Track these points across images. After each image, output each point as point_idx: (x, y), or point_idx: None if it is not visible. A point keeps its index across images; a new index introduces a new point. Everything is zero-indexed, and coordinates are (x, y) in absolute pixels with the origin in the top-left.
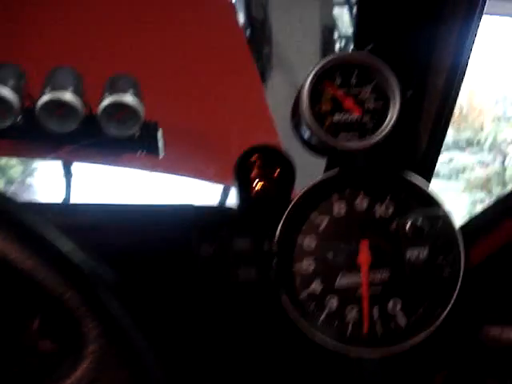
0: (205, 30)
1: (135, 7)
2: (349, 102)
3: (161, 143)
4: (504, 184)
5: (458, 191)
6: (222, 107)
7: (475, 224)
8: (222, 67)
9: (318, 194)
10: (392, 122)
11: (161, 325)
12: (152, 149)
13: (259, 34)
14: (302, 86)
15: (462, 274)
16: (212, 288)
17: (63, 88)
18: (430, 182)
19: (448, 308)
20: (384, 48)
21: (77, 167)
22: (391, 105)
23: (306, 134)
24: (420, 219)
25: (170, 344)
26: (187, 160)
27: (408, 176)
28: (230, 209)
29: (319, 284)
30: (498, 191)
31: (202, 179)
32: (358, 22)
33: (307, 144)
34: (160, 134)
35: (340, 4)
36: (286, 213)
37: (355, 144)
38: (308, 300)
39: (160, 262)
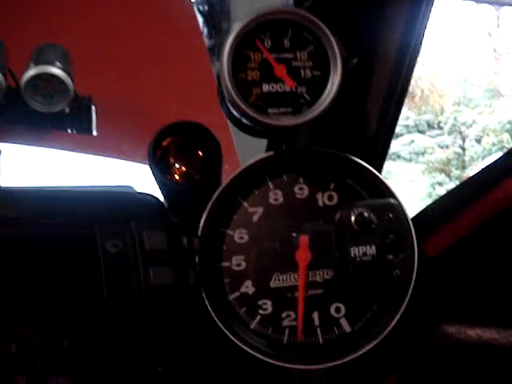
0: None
1: None
2: (280, 70)
3: (93, 121)
4: (463, 167)
5: (417, 173)
6: (162, 81)
7: (431, 215)
8: (164, 37)
9: (250, 181)
10: (332, 93)
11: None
12: (84, 127)
13: (217, 10)
14: (222, 49)
15: (414, 274)
16: (118, 292)
17: None
18: (381, 167)
19: (398, 314)
20: (326, 7)
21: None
22: (331, 73)
23: (231, 110)
24: (367, 211)
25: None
26: (122, 140)
27: (354, 161)
28: (147, 196)
29: (251, 285)
30: (457, 174)
31: (138, 161)
32: None
33: (236, 122)
34: (93, 110)
35: None
36: (211, 201)
37: (288, 120)
38: (238, 303)
39: (60, 257)
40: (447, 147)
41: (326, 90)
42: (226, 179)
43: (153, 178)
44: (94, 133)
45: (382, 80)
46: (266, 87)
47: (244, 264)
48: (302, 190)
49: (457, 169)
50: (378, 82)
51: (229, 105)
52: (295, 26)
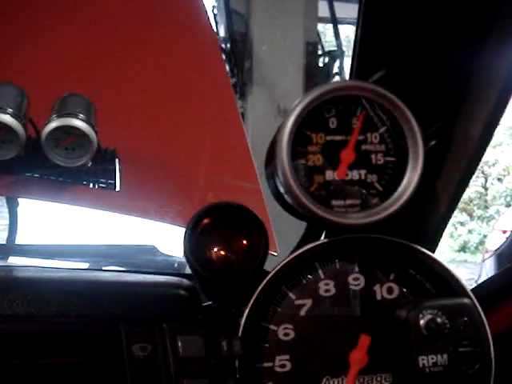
0: (174, 45)
1: (93, 22)
2: (347, 155)
3: (117, 176)
4: (485, 207)
5: None
6: (190, 137)
7: (490, 289)
8: (193, 89)
9: (298, 269)
10: (413, 185)
11: None
12: (107, 182)
13: (240, 48)
14: (281, 128)
15: None
16: None
17: (1, 108)
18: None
19: None
20: (397, 79)
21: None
22: (410, 160)
23: (284, 195)
24: (439, 314)
25: None
26: (146, 197)
27: (418, 250)
28: (180, 289)
29: None
30: (479, 213)
31: (164, 221)
32: (361, 41)
33: (283, 203)
34: (117, 164)
35: (325, 20)
36: (255, 294)
37: (355, 218)
38: None
39: (77, 361)
40: (469, 186)
41: (404, 181)
42: (270, 267)
43: (188, 264)
44: (118, 188)
45: (459, 161)
46: (329, 175)
47: (289, 365)
48: (357, 281)
49: (479, 208)
50: (454, 164)
51: (285, 195)
52: (366, 103)
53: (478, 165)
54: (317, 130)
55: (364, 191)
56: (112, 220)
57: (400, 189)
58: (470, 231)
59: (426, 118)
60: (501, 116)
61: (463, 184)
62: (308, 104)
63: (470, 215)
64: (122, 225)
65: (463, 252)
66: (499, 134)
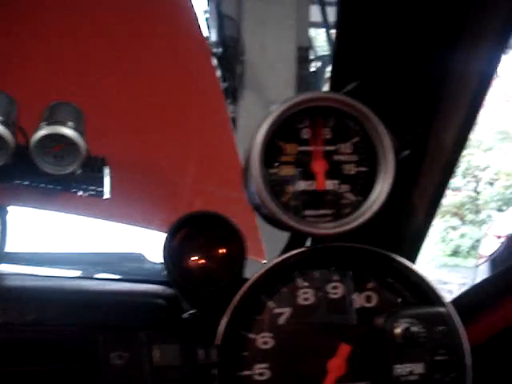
0: (164, 56)
1: (83, 30)
2: (319, 165)
3: (107, 183)
4: (477, 211)
5: None
6: (179, 144)
7: (470, 300)
8: (183, 100)
9: (277, 277)
10: (383, 194)
11: None
12: (96, 189)
13: (232, 53)
14: (253, 139)
15: None
16: None
17: None
18: (415, 260)
19: None
20: (370, 90)
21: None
22: (381, 170)
23: (259, 207)
24: (416, 322)
25: None
26: (134, 204)
27: (396, 259)
28: (158, 299)
29: None
30: (470, 218)
31: (151, 228)
32: (337, 53)
33: (262, 214)
34: (107, 172)
35: (317, 25)
36: (233, 302)
37: (328, 228)
38: None
39: (52, 369)
40: (460, 190)
41: (375, 190)
42: (250, 275)
43: (166, 271)
44: (107, 196)
45: (435, 170)
46: (301, 185)
47: (268, 373)
48: (336, 289)
49: (470, 212)
50: (431, 172)
51: (259, 203)
52: (338, 115)
53: (453, 172)
54: (289, 140)
55: (337, 201)
56: (100, 228)
57: (371, 198)
58: (461, 235)
59: (400, 127)
60: (473, 123)
61: (439, 192)
62: (280, 115)
63: (462, 219)
64: (110, 232)
65: (455, 256)
66: (490, 138)
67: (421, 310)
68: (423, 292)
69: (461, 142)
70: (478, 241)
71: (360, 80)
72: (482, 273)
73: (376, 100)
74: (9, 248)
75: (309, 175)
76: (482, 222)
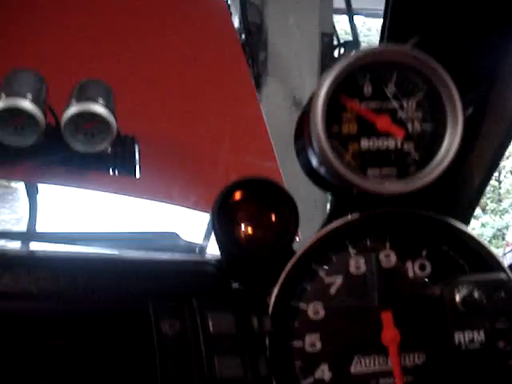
0: (194, 34)
1: (115, 9)
2: (383, 122)
3: (137, 162)
4: (499, 200)
5: None
6: (209, 121)
7: None
8: (212, 76)
9: (328, 246)
10: (451, 153)
11: None
12: (127, 168)
13: (255, 40)
14: (314, 97)
15: None
16: None
17: (20, 94)
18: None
19: None
20: (432, 44)
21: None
22: (449, 127)
23: (317, 167)
24: (475, 289)
25: None
26: (167, 182)
27: (453, 225)
28: (208, 265)
29: (328, 370)
30: (492, 207)
31: (185, 206)
32: (394, 5)
33: (312, 174)
34: (137, 150)
35: (340, 11)
36: (284, 271)
37: (392, 186)
38: None
39: (103, 340)
40: None
41: (442, 149)
42: (300, 245)
43: (215, 240)
44: (138, 175)
45: (495, 130)
46: (365, 143)
47: (319, 344)
48: (388, 258)
49: (492, 201)
50: (491, 133)
51: (318, 163)
52: (402, 69)
53: (508, 139)
54: (351, 96)
55: (400, 159)
56: (132, 206)
57: (438, 157)
58: (483, 225)
59: (463, 84)
60: None
61: (498, 155)
62: (343, 69)
63: (483, 209)
64: (143, 211)
65: None
66: None
67: (480, 277)
68: (481, 258)
69: None
70: (499, 230)
71: (422, 34)
72: (510, 260)
73: (438, 55)
74: (41, 227)
75: (371, 132)
76: (504, 211)
